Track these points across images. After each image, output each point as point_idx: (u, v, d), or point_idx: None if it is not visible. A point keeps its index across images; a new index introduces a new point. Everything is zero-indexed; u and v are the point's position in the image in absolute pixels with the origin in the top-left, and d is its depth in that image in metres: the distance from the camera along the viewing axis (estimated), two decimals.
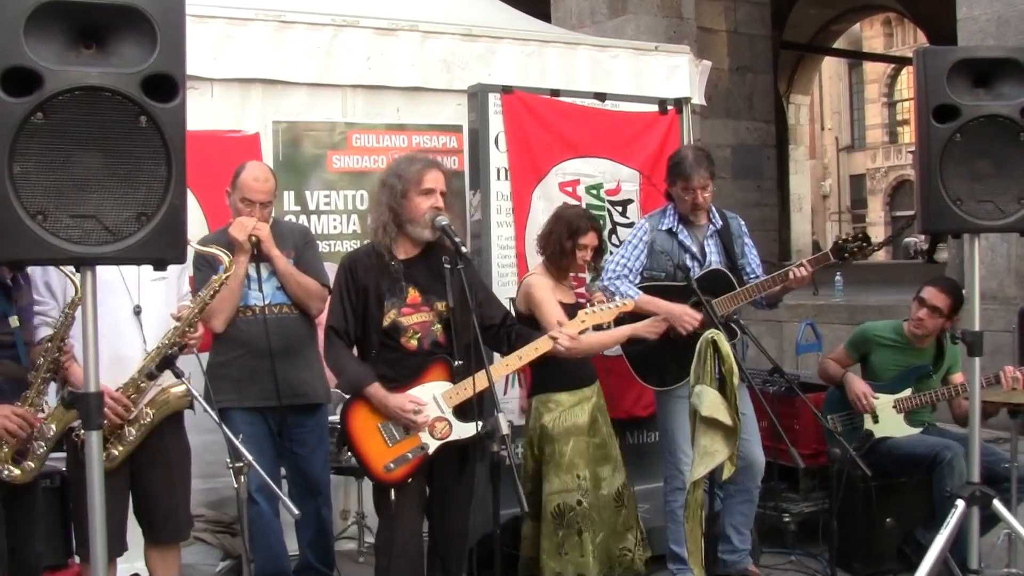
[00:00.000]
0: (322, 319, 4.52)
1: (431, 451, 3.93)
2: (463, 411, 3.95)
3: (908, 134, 42.80)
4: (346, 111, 5.67)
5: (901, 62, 36.70)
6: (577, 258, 4.60)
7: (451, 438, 3.95)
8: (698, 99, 6.61)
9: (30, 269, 3.72)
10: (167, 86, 2.58)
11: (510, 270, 5.36)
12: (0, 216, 2.45)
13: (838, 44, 28.78)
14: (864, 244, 4.78)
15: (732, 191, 12.28)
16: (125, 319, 3.88)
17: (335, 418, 4.49)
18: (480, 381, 3.83)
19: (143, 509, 4.03)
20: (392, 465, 3.90)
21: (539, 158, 5.49)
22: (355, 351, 4.09)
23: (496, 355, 4.24)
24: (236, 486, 3.51)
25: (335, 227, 5.61)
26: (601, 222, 5.30)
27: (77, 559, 4.22)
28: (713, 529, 4.70)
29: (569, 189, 5.57)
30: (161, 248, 2.64)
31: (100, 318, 3.67)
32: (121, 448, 3.84)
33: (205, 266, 4.31)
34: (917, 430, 5.21)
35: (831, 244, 4.84)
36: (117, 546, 3.91)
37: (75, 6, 2.51)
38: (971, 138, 3.61)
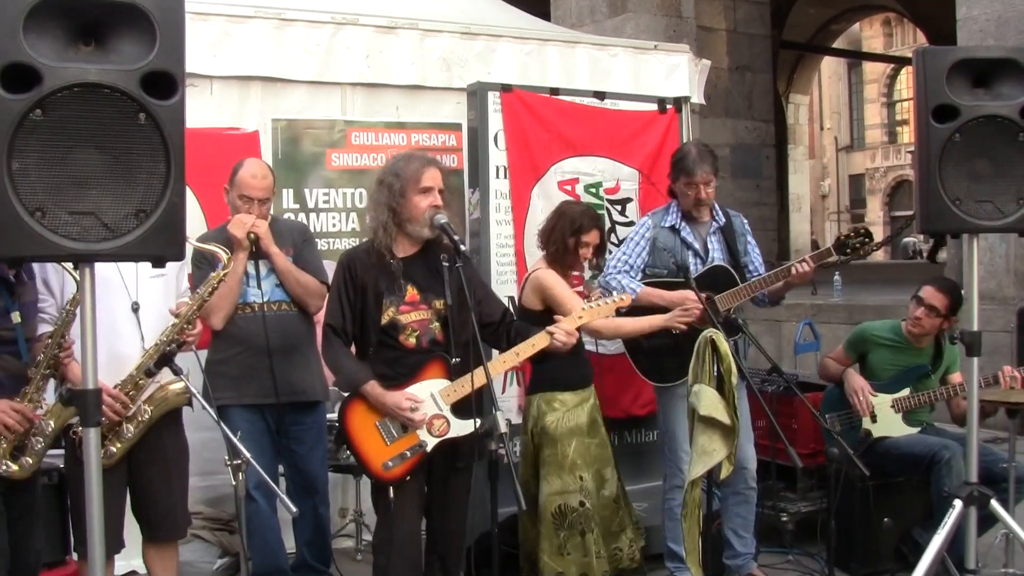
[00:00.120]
0: (321, 317, 4.53)
1: (429, 448, 3.92)
2: (461, 409, 3.94)
3: (907, 134, 42.84)
4: (345, 109, 5.68)
5: (900, 62, 36.73)
6: (579, 255, 4.59)
7: (449, 435, 3.94)
8: (697, 98, 6.62)
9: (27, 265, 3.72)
10: (166, 83, 2.58)
11: (509, 268, 5.37)
12: None
13: (837, 44, 28.80)
14: (866, 240, 4.79)
15: (731, 190, 12.29)
16: (123, 316, 3.87)
17: (333, 416, 4.49)
18: (477, 378, 3.84)
19: (141, 507, 4.03)
20: (390, 463, 3.90)
21: (538, 157, 5.49)
22: (353, 349, 4.09)
23: (495, 352, 4.23)
24: (234, 483, 3.51)
25: (334, 225, 5.61)
26: None
27: (75, 556, 4.21)
28: (711, 528, 4.71)
29: (568, 188, 5.57)
30: (160, 245, 2.64)
31: (98, 315, 3.70)
32: (119, 445, 3.84)
33: (204, 263, 4.31)
34: (915, 430, 5.21)
35: (833, 240, 4.84)
36: (114, 544, 3.90)
37: (74, 3, 2.50)
38: (970, 138, 3.61)
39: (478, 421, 3.88)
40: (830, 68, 42.98)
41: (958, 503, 3.85)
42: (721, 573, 4.88)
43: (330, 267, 4.59)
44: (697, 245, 4.86)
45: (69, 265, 3.48)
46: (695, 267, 4.82)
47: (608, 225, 5.66)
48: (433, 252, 4.01)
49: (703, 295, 4.55)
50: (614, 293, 4.34)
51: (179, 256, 2.72)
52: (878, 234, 38.24)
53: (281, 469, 4.72)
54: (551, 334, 4.00)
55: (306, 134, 5.55)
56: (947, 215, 3.66)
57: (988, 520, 4.26)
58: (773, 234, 13.56)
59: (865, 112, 46.81)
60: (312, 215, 5.55)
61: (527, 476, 4.55)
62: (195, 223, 4.61)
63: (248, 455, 3.50)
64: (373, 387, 3.89)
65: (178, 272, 4.12)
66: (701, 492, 4.40)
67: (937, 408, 5.32)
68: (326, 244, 5.45)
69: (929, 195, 3.65)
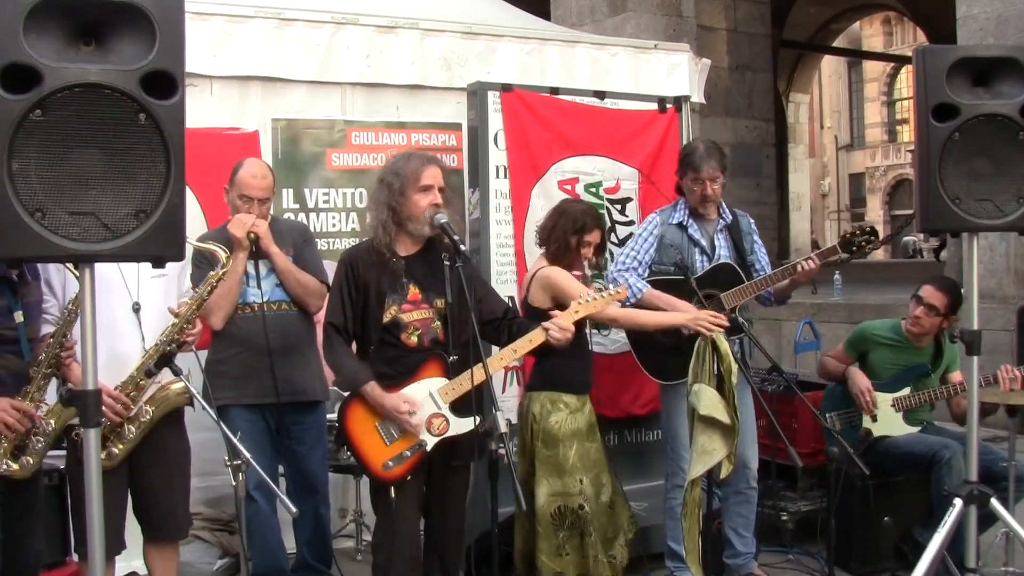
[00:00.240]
0: (320, 316, 4.53)
1: (429, 448, 3.93)
2: (460, 407, 3.95)
3: (907, 133, 42.85)
4: (345, 109, 5.68)
5: (900, 61, 36.73)
6: (581, 255, 4.57)
7: (448, 434, 3.95)
8: (697, 97, 6.62)
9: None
10: (166, 83, 2.58)
11: (509, 268, 5.37)
12: None
13: (838, 43, 28.79)
14: (872, 238, 4.79)
15: (731, 189, 12.18)
16: (124, 317, 3.87)
17: (333, 416, 4.48)
18: (476, 376, 3.83)
19: (142, 507, 4.02)
20: (391, 463, 3.90)
21: (538, 156, 5.49)
22: (354, 347, 4.09)
23: (495, 349, 4.22)
24: (234, 484, 3.51)
25: (334, 225, 5.61)
26: None
27: (76, 557, 4.21)
28: (711, 528, 4.71)
29: (568, 187, 5.57)
30: (160, 245, 2.64)
31: (99, 316, 3.68)
32: (121, 447, 3.84)
33: (204, 263, 4.30)
34: (915, 429, 5.21)
35: (839, 238, 4.84)
36: (115, 544, 3.90)
37: (74, 3, 2.50)
38: (970, 137, 3.61)
39: (477, 418, 3.89)
40: (830, 67, 42.98)
41: (958, 502, 3.85)
42: (721, 572, 4.88)
43: (330, 267, 4.59)
44: (704, 242, 4.85)
45: (71, 264, 3.48)
46: (701, 264, 4.82)
47: (608, 225, 5.65)
48: (434, 251, 4.01)
49: (709, 292, 4.55)
50: (610, 286, 4.31)
51: (179, 256, 2.72)
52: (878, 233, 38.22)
53: (281, 469, 4.72)
54: (547, 329, 3.99)
55: (306, 134, 5.54)
56: (947, 214, 3.65)
57: (988, 519, 4.26)
58: (773, 233, 13.56)
59: (865, 111, 46.81)
60: (312, 215, 5.55)
61: (525, 474, 4.49)
62: (195, 223, 4.61)
63: (248, 455, 3.50)
64: (372, 388, 3.89)
65: (179, 272, 4.11)
66: (701, 492, 4.40)
67: (937, 407, 5.32)
68: (326, 244, 5.45)
69: (929, 194, 3.65)
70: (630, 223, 5.75)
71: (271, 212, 4.66)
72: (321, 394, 4.72)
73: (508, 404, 5.10)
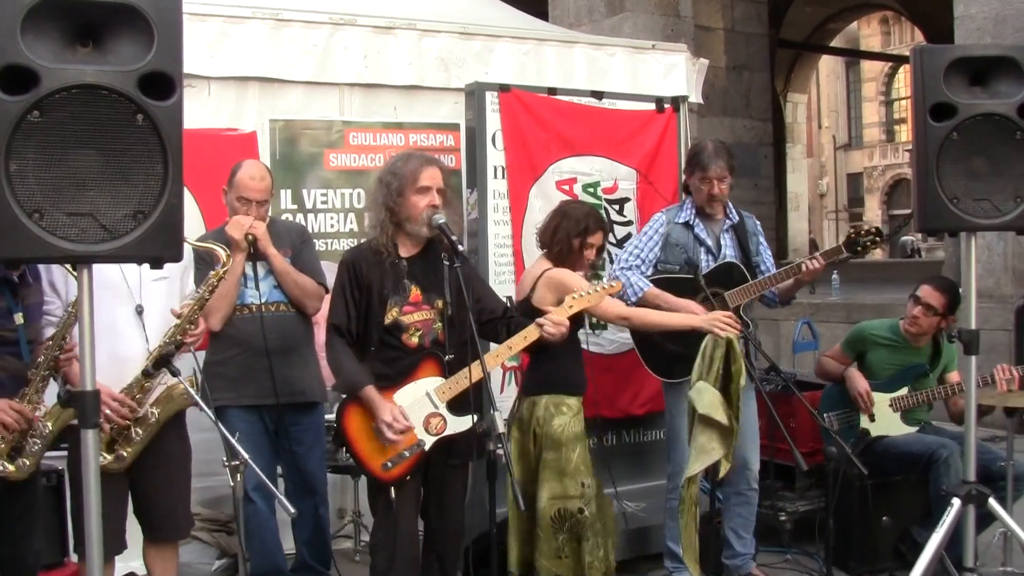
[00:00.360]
0: (318, 318, 4.53)
1: (427, 447, 3.93)
2: (457, 406, 3.95)
3: (905, 132, 42.88)
4: (343, 109, 5.67)
5: (898, 60, 36.73)
6: (584, 256, 4.54)
7: (446, 433, 3.95)
8: (695, 97, 6.62)
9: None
10: (164, 84, 2.58)
11: (507, 268, 5.36)
12: None
13: (835, 42, 28.78)
14: (877, 238, 4.81)
15: None
16: (127, 319, 3.88)
17: (331, 416, 4.48)
18: (473, 374, 3.83)
19: (143, 507, 4.03)
20: (390, 463, 3.90)
21: (536, 156, 5.49)
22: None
23: (492, 346, 4.22)
24: (232, 484, 3.52)
25: (332, 226, 5.61)
26: None
27: (75, 558, 4.21)
28: (709, 528, 4.71)
29: (566, 187, 5.56)
30: (158, 246, 2.64)
31: (101, 318, 3.68)
32: (130, 449, 3.85)
33: (204, 264, 4.31)
34: (913, 429, 5.21)
35: (844, 238, 4.85)
36: (116, 545, 3.91)
37: (72, 4, 2.50)
38: (968, 136, 3.61)
39: (475, 417, 3.89)
40: (828, 67, 43.00)
41: (956, 502, 3.85)
42: (720, 573, 4.88)
43: (328, 268, 4.59)
44: (710, 242, 4.86)
45: (69, 266, 3.48)
46: (706, 263, 4.82)
47: None
48: (434, 251, 4.01)
49: (713, 291, 4.55)
50: (604, 280, 4.28)
51: (177, 257, 2.72)
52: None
53: (279, 470, 4.72)
54: (541, 325, 3.99)
55: (304, 135, 5.54)
56: (945, 213, 3.66)
57: (986, 518, 4.26)
58: (771, 233, 13.51)
59: (863, 111, 46.88)
60: (310, 216, 5.55)
61: (524, 479, 4.42)
62: (193, 224, 4.61)
63: (246, 456, 3.50)
64: (369, 391, 3.89)
65: (182, 274, 4.12)
66: (699, 490, 4.39)
67: (935, 407, 5.33)
68: (324, 245, 5.45)
69: (927, 193, 3.65)
70: (628, 223, 5.75)
71: (269, 213, 4.65)
72: (319, 395, 4.72)
73: (506, 404, 5.10)
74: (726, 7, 13.14)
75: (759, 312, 5.22)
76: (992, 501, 3.89)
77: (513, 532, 4.46)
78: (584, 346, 4.82)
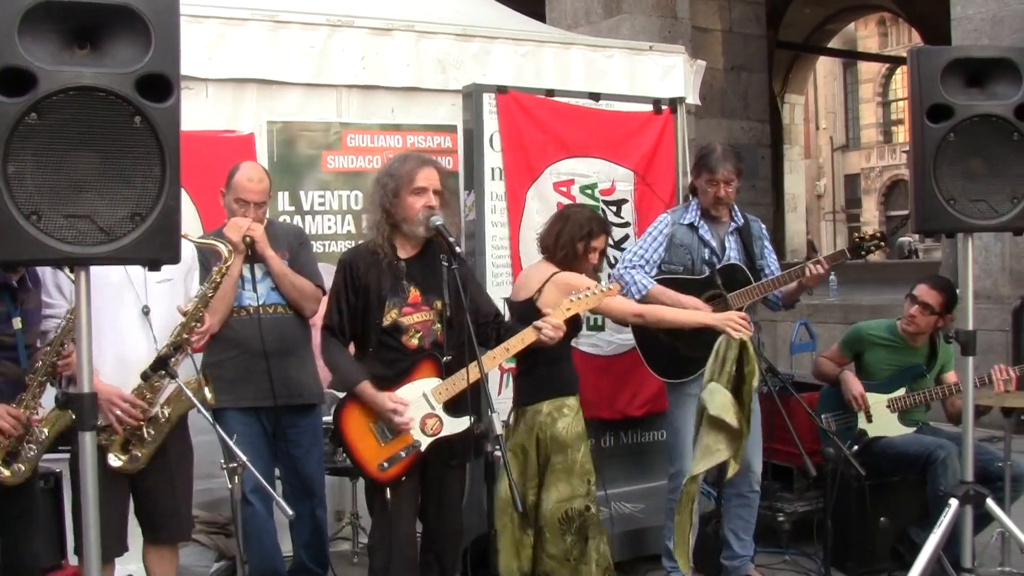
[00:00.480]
0: (316, 320, 4.52)
1: (423, 448, 3.93)
2: (454, 407, 3.95)
3: (903, 134, 42.86)
4: (341, 111, 5.67)
5: (896, 62, 36.74)
6: (589, 260, 4.52)
7: (442, 434, 3.95)
8: (692, 99, 6.61)
9: (40, 270, 3.72)
10: (161, 86, 2.58)
11: (504, 270, 5.36)
12: None
13: (833, 44, 28.84)
14: (881, 244, 4.85)
15: None
16: (133, 320, 3.88)
17: (329, 418, 4.48)
18: (470, 376, 3.83)
19: (144, 509, 4.03)
20: (386, 464, 3.90)
21: (533, 158, 5.49)
22: (353, 348, 4.09)
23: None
24: (230, 487, 3.51)
25: (330, 228, 5.60)
26: None
27: (75, 560, 4.21)
28: (709, 529, 4.71)
29: (563, 189, 5.57)
30: (155, 248, 2.64)
31: (107, 320, 3.71)
32: (144, 450, 3.87)
33: (207, 273, 4.31)
34: (911, 429, 5.22)
35: (848, 242, 4.86)
36: (118, 547, 3.92)
37: (69, 6, 2.51)
38: (965, 138, 3.62)
39: (472, 418, 3.89)
40: (825, 68, 43.05)
41: (954, 502, 3.86)
42: (719, 574, 4.88)
43: (325, 270, 4.59)
44: (714, 244, 4.86)
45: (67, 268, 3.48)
46: (713, 265, 4.82)
47: None
48: (433, 253, 4.02)
49: (708, 293, 4.54)
50: (602, 283, 4.28)
51: (175, 259, 2.72)
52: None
53: (277, 472, 4.72)
54: (539, 328, 3.99)
55: (301, 136, 5.54)
56: (942, 214, 3.66)
57: (984, 519, 4.26)
58: (769, 234, 13.55)
59: (860, 112, 46.89)
60: (308, 217, 5.54)
61: (522, 487, 4.35)
62: (191, 226, 4.59)
63: (244, 458, 3.50)
64: (366, 387, 3.90)
65: (185, 276, 4.12)
66: (699, 491, 4.38)
67: (932, 407, 5.33)
68: (322, 247, 5.44)
69: (924, 194, 3.66)
70: (625, 225, 5.75)
71: (267, 215, 4.65)
72: (317, 397, 4.72)
73: (504, 406, 5.10)
74: (724, 8, 13.15)
75: (758, 314, 5.22)
76: (990, 501, 3.90)
77: (504, 541, 4.37)
78: (585, 348, 4.83)
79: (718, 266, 4.82)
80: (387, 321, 3.97)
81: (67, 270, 3.57)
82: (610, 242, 5.56)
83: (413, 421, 3.91)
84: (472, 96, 5.34)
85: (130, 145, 2.56)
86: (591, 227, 4.50)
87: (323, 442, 4.83)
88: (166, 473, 3.98)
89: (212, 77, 5.26)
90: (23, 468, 3.60)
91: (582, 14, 12.08)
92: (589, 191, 5.68)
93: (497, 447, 3.59)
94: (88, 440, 2.75)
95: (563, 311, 4.06)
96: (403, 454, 3.91)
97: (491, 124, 5.34)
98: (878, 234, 4.87)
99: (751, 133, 13.31)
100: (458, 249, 3.88)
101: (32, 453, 3.62)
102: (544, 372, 4.37)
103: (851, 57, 39.39)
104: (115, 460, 3.83)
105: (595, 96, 5.76)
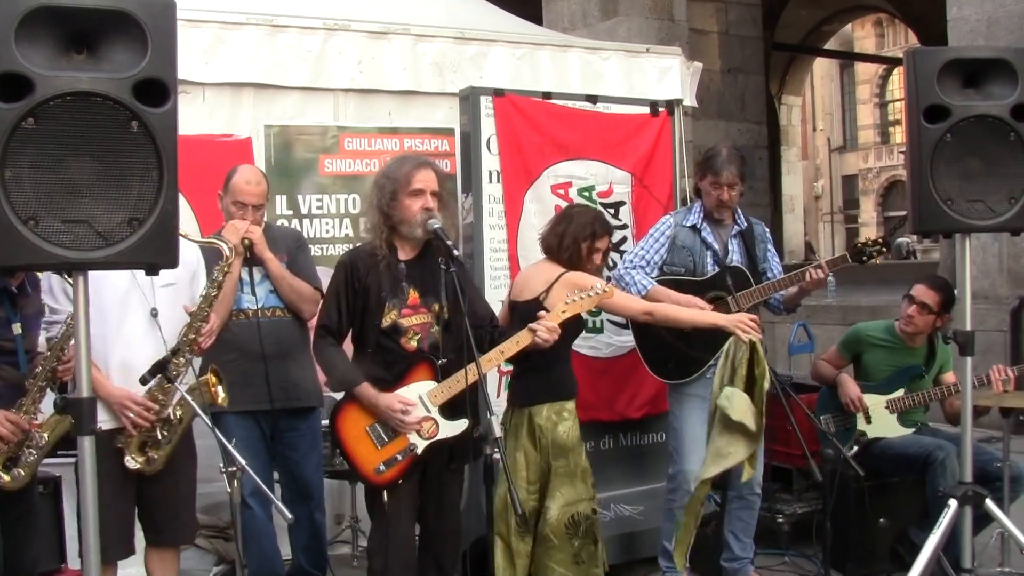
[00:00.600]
0: (314, 322, 4.52)
1: (420, 451, 3.93)
2: (449, 410, 3.95)
3: (900, 134, 42.84)
4: (338, 115, 5.67)
5: (892, 63, 36.79)
6: (592, 261, 4.51)
7: (438, 437, 3.95)
8: (690, 101, 6.62)
9: (47, 275, 3.72)
10: (158, 91, 2.58)
11: (502, 273, 5.36)
12: None
13: (829, 45, 28.86)
14: (882, 249, 4.85)
15: None
16: (140, 324, 3.88)
17: (328, 422, 4.48)
18: (467, 378, 3.82)
19: (146, 511, 4.02)
20: (383, 467, 3.90)
21: (531, 161, 5.49)
22: (349, 349, 4.09)
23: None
24: (229, 491, 3.51)
25: (327, 231, 5.61)
26: None
27: (77, 564, 4.20)
28: (707, 530, 4.70)
29: (561, 191, 5.57)
30: (153, 253, 2.64)
31: (113, 324, 3.70)
32: (160, 452, 3.87)
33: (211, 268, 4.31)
34: (910, 430, 5.22)
35: (850, 247, 4.86)
36: (123, 550, 3.92)
37: (66, 11, 2.51)
38: (961, 138, 3.62)
39: (468, 421, 3.89)
40: (822, 69, 43.07)
41: (953, 503, 3.86)
42: (718, 575, 4.88)
43: (323, 273, 4.59)
44: (717, 246, 4.86)
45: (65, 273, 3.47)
46: (713, 268, 4.83)
47: None
48: (432, 255, 4.02)
49: (710, 294, 4.53)
50: (597, 285, 4.27)
51: (172, 264, 2.72)
52: (872, 235, 38.30)
53: (276, 476, 4.71)
54: (534, 331, 3.99)
55: (299, 140, 5.54)
56: (939, 215, 3.66)
57: (983, 519, 4.26)
58: None
59: (858, 113, 46.90)
60: (305, 221, 5.55)
61: (524, 492, 4.34)
62: (189, 230, 4.59)
63: (243, 462, 3.50)
64: (365, 388, 3.89)
65: (190, 280, 4.11)
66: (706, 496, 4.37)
67: (931, 408, 5.33)
68: (320, 250, 5.45)
69: (921, 195, 3.66)
70: (623, 227, 5.75)
71: (265, 218, 4.65)
72: (316, 400, 4.72)
73: (502, 409, 5.11)
74: (720, 10, 13.16)
75: (758, 316, 5.22)
76: (989, 502, 3.89)
77: (500, 549, 4.33)
78: (584, 350, 4.82)
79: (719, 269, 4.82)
80: (386, 322, 3.96)
81: (65, 275, 3.56)
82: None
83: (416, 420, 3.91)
84: (469, 99, 5.34)
85: (127, 150, 2.56)
86: (595, 228, 4.50)
87: (322, 445, 4.83)
88: (169, 476, 3.98)
89: (209, 81, 5.27)
90: (23, 473, 3.60)
91: (579, 17, 12.10)
92: (587, 193, 5.67)
93: (496, 450, 3.59)
94: (87, 444, 2.74)
95: (559, 313, 4.06)
96: (400, 457, 3.91)
97: (488, 127, 5.33)
98: (880, 239, 4.87)
99: (748, 135, 13.32)
100: (456, 252, 3.87)
101: (32, 458, 3.62)
102: (543, 375, 4.37)
103: (848, 58, 39.42)
104: (132, 462, 3.83)
105: (592, 98, 5.77)
